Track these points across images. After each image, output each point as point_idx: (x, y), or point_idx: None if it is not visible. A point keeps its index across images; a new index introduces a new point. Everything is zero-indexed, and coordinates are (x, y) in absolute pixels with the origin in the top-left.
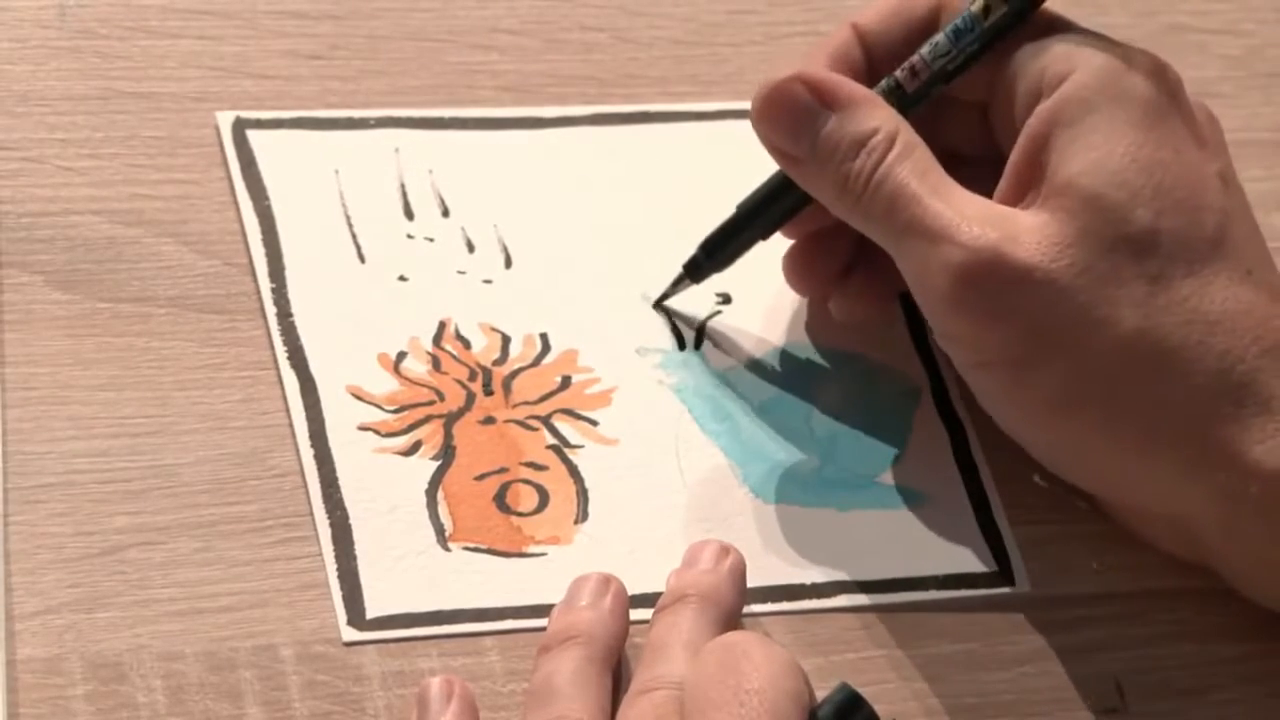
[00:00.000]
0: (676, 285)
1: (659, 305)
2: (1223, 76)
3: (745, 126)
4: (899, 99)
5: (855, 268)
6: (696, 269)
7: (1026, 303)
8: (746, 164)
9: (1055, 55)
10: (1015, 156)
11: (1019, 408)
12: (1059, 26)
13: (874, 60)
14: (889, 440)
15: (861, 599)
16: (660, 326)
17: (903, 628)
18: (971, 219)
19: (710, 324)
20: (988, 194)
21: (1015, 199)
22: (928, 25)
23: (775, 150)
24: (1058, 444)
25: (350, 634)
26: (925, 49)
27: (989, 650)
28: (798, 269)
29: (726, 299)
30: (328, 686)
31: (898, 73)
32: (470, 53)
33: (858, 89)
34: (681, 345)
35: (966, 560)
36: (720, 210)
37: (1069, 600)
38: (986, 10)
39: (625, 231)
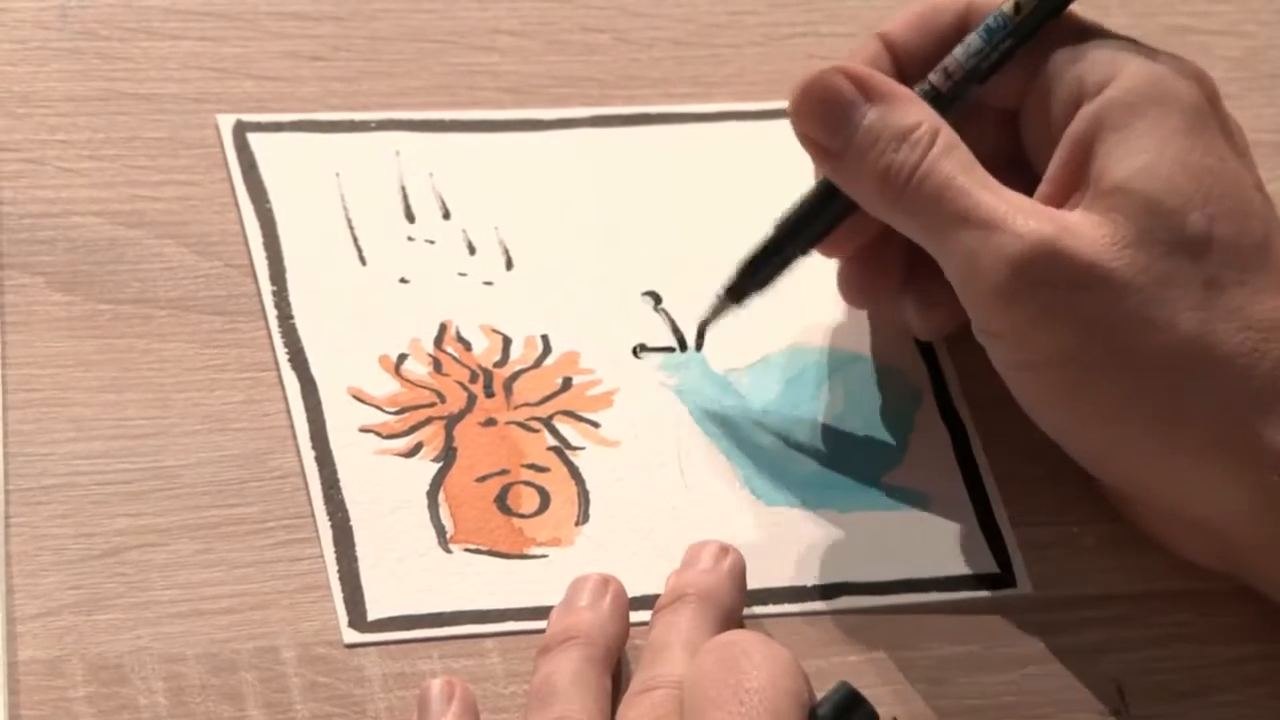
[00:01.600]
0: (718, 311)
1: (700, 334)
2: (1224, 78)
3: (747, 128)
4: (934, 102)
5: (919, 278)
6: (739, 292)
7: (1085, 299)
8: (748, 165)
9: (1095, 61)
10: (1058, 159)
11: (1069, 410)
12: (1093, 32)
13: (903, 70)
14: (890, 441)
15: (862, 600)
16: (661, 328)
17: (904, 629)
18: (1026, 211)
19: (711, 325)
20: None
21: (1057, 202)
22: (954, 32)
23: (812, 144)
24: (1106, 447)
25: (351, 636)
26: (958, 50)
27: (990, 652)
28: (854, 284)
29: None
30: (329, 688)
31: (931, 76)
32: (471, 54)
33: (898, 85)
34: (683, 346)
35: (968, 562)
36: (720, 212)
37: (1070, 602)
38: (1018, 8)
39: (626, 233)
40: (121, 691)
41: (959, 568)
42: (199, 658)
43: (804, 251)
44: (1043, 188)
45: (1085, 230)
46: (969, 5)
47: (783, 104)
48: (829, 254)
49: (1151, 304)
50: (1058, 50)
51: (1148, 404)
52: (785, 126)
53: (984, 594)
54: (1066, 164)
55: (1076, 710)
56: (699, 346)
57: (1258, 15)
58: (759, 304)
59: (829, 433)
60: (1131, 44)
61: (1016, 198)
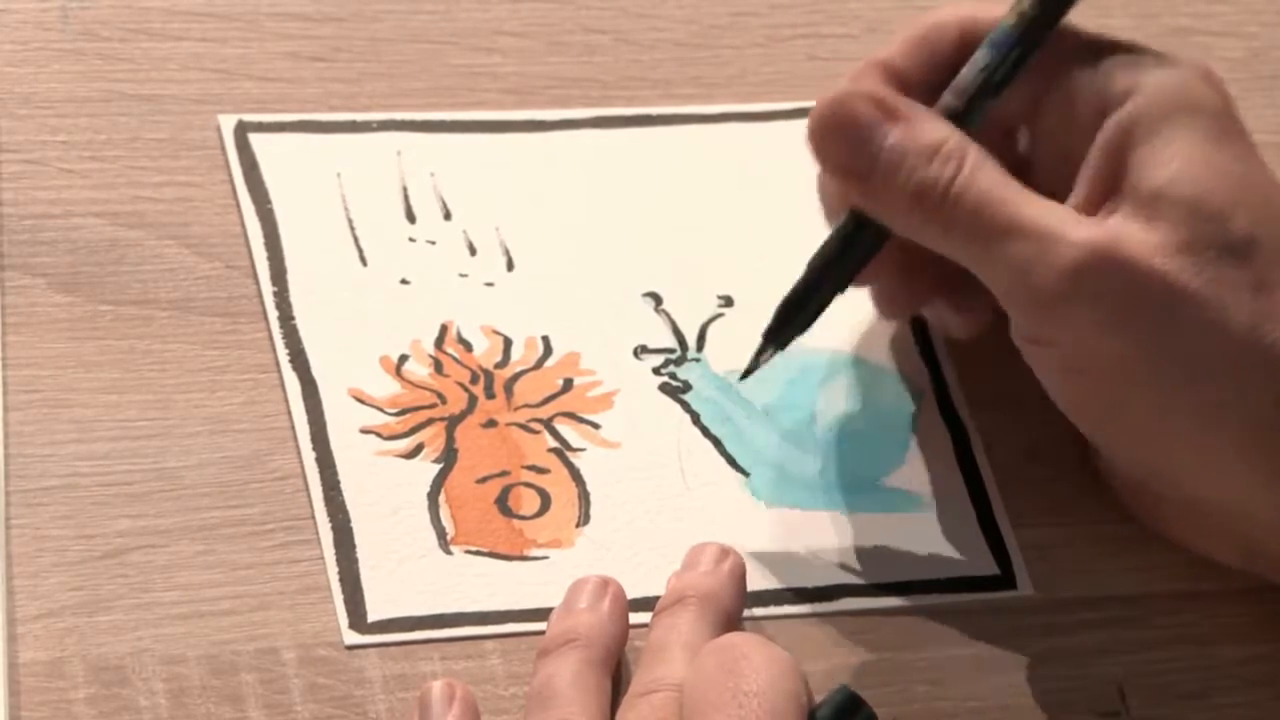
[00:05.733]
0: (760, 356)
1: (744, 378)
2: (1225, 79)
3: (749, 129)
4: (951, 119)
5: (950, 283)
6: (778, 335)
7: (1143, 306)
8: (750, 167)
9: (1114, 71)
10: (1090, 170)
11: (1115, 415)
12: (1101, 41)
13: (908, 92)
14: (891, 443)
15: (863, 602)
16: (662, 329)
17: (904, 631)
18: (1075, 220)
19: (712, 326)
20: None
21: (1090, 212)
22: (955, 53)
23: (836, 166)
24: (1147, 447)
25: (352, 637)
26: (966, 68)
27: (990, 654)
28: (888, 298)
29: (728, 301)
30: (329, 690)
31: (944, 96)
32: (472, 55)
33: (917, 104)
34: (683, 348)
35: (968, 564)
36: (722, 213)
37: (1071, 604)
38: (1021, 16)
39: (627, 234)
40: (122, 693)
41: (959, 569)
42: (200, 659)
43: (841, 289)
44: (1074, 199)
45: (1136, 235)
46: (965, 24)
47: (785, 105)
48: (861, 284)
49: (1207, 308)
50: (1070, 63)
51: (1197, 406)
52: (787, 128)
53: (985, 596)
54: (1099, 173)
55: (1077, 712)
56: (744, 376)
57: (1259, 16)
58: (759, 305)
59: (829, 434)
60: (1144, 51)
61: (1060, 207)
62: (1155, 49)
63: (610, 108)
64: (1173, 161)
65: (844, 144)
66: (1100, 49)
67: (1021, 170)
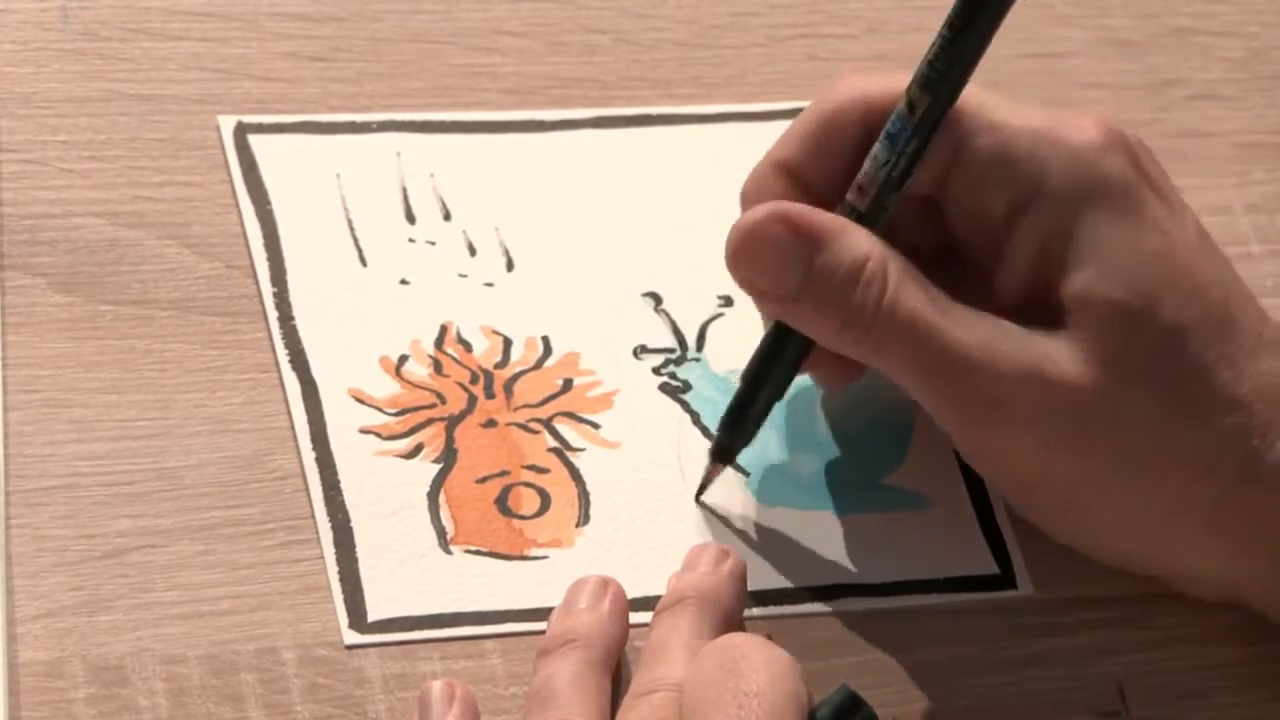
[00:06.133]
0: (709, 476)
1: (698, 497)
2: (1225, 79)
3: (748, 129)
4: (858, 221)
5: None
6: (724, 452)
7: (1083, 423)
8: (749, 167)
9: (1018, 156)
10: (1010, 275)
11: (1079, 525)
12: (999, 115)
13: (814, 191)
14: (891, 443)
15: (863, 602)
16: (662, 329)
17: (905, 631)
18: (998, 341)
19: (711, 326)
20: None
21: (1015, 316)
22: (858, 143)
23: (760, 293)
24: (1112, 541)
25: (352, 637)
26: (866, 164)
27: (991, 654)
28: (823, 374)
29: (728, 301)
30: (329, 690)
31: (849, 196)
32: (472, 55)
33: (834, 218)
34: (683, 348)
35: (969, 563)
36: (722, 213)
37: (1071, 603)
38: (911, 106)
39: (627, 234)
40: (122, 693)
41: (960, 569)
42: (200, 659)
43: (779, 396)
44: (998, 301)
45: (1061, 350)
46: (859, 108)
47: (785, 105)
48: (800, 373)
49: (1149, 412)
50: (972, 146)
51: (1161, 497)
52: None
53: (985, 595)
54: (1020, 277)
55: (1077, 712)
56: (698, 499)
57: (1259, 16)
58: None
59: (829, 434)
60: (1044, 121)
61: (985, 325)
62: (1053, 111)
63: (610, 108)
64: (1089, 262)
65: (765, 270)
66: (1000, 127)
67: (935, 219)
